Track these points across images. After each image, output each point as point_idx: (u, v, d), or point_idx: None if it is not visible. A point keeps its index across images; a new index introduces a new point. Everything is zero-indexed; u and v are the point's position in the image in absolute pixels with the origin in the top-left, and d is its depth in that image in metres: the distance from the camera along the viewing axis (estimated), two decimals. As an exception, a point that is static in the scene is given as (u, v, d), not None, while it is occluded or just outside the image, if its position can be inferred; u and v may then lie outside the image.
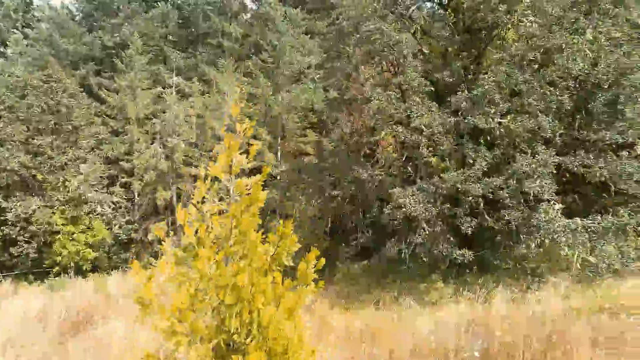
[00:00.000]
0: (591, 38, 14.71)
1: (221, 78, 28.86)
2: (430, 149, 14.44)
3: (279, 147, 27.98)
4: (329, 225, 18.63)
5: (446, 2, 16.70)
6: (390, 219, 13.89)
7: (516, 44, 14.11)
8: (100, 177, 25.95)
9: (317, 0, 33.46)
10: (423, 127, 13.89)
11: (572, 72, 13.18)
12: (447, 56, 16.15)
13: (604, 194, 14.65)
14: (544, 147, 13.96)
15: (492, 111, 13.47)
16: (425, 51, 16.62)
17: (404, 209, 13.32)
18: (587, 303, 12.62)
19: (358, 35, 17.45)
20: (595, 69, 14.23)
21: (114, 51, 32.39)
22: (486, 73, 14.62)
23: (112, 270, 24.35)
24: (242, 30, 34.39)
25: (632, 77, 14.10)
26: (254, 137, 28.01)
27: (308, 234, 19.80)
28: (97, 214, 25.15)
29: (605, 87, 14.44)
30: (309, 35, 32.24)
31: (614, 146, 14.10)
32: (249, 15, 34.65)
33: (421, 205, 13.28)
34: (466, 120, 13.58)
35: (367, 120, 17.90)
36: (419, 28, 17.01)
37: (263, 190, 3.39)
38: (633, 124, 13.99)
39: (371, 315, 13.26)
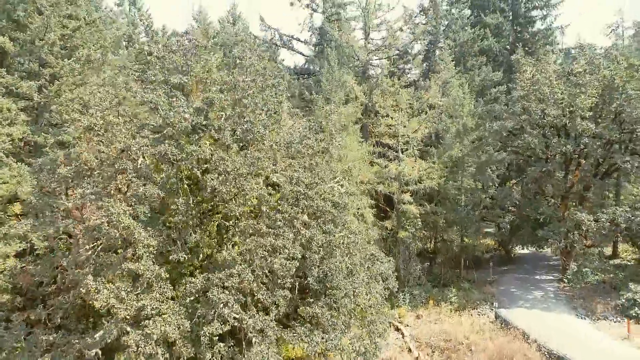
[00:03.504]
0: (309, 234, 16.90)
1: None
2: (167, 355, 13.84)
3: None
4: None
5: (182, 175, 16.48)
6: None
7: (248, 239, 15.13)
8: None
9: None
10: (159, 332, 13.20)
11: (291, 270, 15.03)
12: (183, 232, 15.93)
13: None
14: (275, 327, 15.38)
15: (227, 312, 14.00)
16: (161, 227, 15.94)
17: None
18: None
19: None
20: (309, 251, 16.64)
21: None
22: (222, 264, 15.11)
23: None
24: None
25: (335, 259, 17.12)
26: None
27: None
28: None
29: (318, 265, 17.07)
30: None
31: (326, 319, 16.71)
32: None
33: None
34: (204, 329, 13.65)
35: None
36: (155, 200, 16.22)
37: None
38: (338, 298, 16.95)
39: None
